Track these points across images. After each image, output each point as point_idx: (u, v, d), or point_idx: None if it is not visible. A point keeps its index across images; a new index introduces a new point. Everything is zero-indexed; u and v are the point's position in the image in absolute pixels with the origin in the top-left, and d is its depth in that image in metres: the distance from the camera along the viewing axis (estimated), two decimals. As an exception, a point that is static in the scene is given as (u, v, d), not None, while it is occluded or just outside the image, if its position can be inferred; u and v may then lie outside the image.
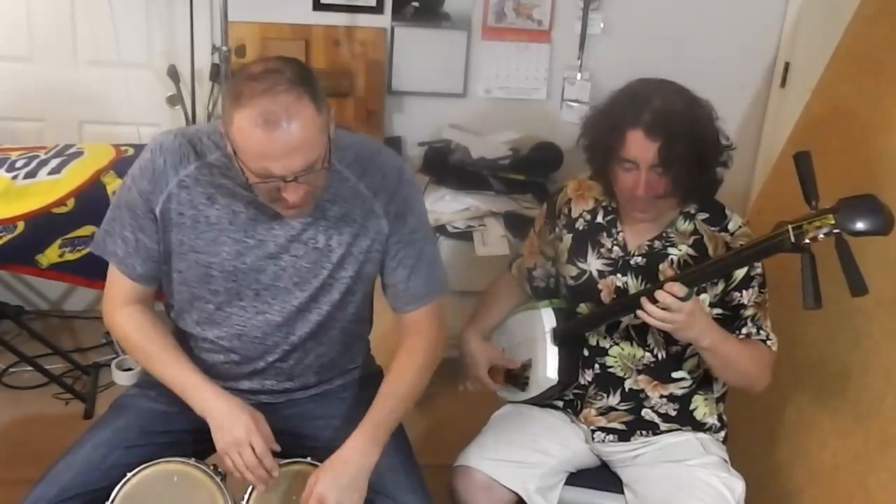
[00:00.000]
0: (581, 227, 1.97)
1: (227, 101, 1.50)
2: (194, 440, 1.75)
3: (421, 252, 1.75)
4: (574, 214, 1.99)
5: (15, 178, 2.55)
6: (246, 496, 1.66)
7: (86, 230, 2.51)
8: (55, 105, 3.23)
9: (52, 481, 1.63)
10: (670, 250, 1.88)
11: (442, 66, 3.31)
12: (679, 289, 1.68)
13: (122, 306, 1.75)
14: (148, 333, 1.73)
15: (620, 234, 1.92)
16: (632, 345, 1.93)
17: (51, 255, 2.52)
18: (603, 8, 3.29)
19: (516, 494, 1.88)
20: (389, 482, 1.71)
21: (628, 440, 1.97)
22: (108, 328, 1.80)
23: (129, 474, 1.64)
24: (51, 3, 3.13)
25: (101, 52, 3.16)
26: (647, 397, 1.95)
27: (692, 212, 1.88)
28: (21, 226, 2.48)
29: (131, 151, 2.68)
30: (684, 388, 1.95)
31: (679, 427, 1.96)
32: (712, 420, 1.97)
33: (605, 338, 1.95)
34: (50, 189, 2.53)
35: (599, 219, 1.96)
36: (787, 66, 3.34)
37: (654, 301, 1.70)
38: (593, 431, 1.99)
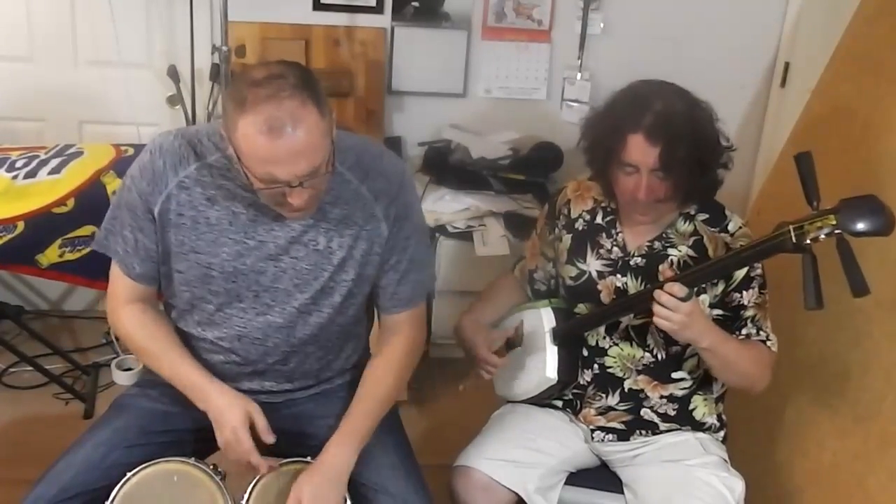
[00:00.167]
0: (580, 228, 1.97)
1: (231, 107, 1.49)
2: (194, 440, 1.76)
3: (413, 258, 1.76)
4: (573, 215, 1.99)
5: (15, 178, 2.55)
6: (246, 496, 1.66)
7: (86, 230, 2.51)
8: (55, 105, 3.23)
9: (52, 481, 1.64)
10: (670, 251, 1.88)
11: (442, 66, 3.31)
12: (679, 289, 1.68)
13: (124, 304, 1.75)
14: (150, 331, 1.74)
15: (620, 234, 1.92)
16: (631, 345, 1.93)
17: (51, 254, 2.52)
18: (603, 8, 3.30)
19: (516, 494, 1.88)
20: (390, 482, 1.72)
21: (627, 440, 1.97)
22: (111, 325, 1.80)
23: (129, 474, 1.64)
24: (51, 3, 3.13)
25: (101, 52, 3.16)
26: (646, 397, 1.95)
27: (692, 213, 1.88)
28: (21, 226, 2.48)
29: (131, 151, 2.68)
30: (684, 388, 1.95)
31: (678, 427, 1.96)
32: (712, 420, 1.97)
33: (604, 338, 1.95)
34: (50, 189, 2.53)
35: (599, 219, 1.96)
36: (787, 66, 3.34)
37: (653, 301, 1.70)
38: (592, 431, 1.99)
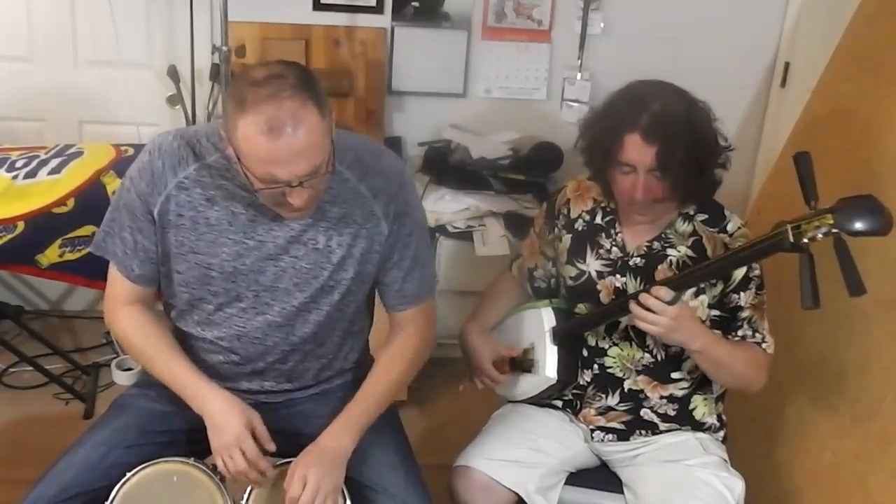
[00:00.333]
0: (580, 228, 1.97)
1: (230, 107, 1.49)
2: (194, 440, 1.75)
3: (416, 255, 1.76)
4: (573, 215, 1.99)
5: (15, 178, 2.55)
6: (245, 496, 1.66)
7: (86, 230, 2.51)
8: (55, 105, 3.23)
9: (51, 481, 1.64)
10: (669, 251, 1.88)
11: (442, 66, 3.31)
12: (665, 293, 1.69)
13: (122, 306, 1.75)
14: (148, 333, 1.74)
15: (619, 234, 1.92)
16: (631, 345, 1.93)
17: (51, 254, 2.52)
18: (603, 8, 3.29)
19: (516, 494, 1.88)
20: (390, 481, 1.72)
21: (627, 440, 1.97)
22: (108, 327, 1.80)
23: (128, 474, 1.64)
24: (51, 3, 3.13)
25: (101, 52, 3.16)
26: (646, 398, 1.95)
27: (691, 213, 1.88)
28: (21, 226, 2.48)
29: (131, 151, 2.68)
30: (684, 388, 1.95)
31: (678, 427, 1.96)
32: (712, 420, 1.97)
33: (604, 338, 1.95)
34: (50, 189, 2.53)
35: (598, 219, 1.96)
36: (787, 66, 3.34)
37: (640, 305, 1.70)
38: (592, 431, 1.99)
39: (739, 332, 1.84)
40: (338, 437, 1.68)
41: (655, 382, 1.94)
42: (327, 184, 1.60)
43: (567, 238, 1.99)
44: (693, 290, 1.84)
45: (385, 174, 1.71)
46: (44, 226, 2.50)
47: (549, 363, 1.95)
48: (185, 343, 1.79)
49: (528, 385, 2.01)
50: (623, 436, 1.97)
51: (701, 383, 1.96)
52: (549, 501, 1.91)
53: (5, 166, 2.59)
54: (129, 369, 3.06)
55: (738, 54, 3.36)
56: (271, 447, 1.67)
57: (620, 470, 1.98)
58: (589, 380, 1.98)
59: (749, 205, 3.27)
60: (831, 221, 1.52)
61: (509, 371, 2.05)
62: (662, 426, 1.96)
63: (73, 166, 2.60)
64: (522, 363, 2.03)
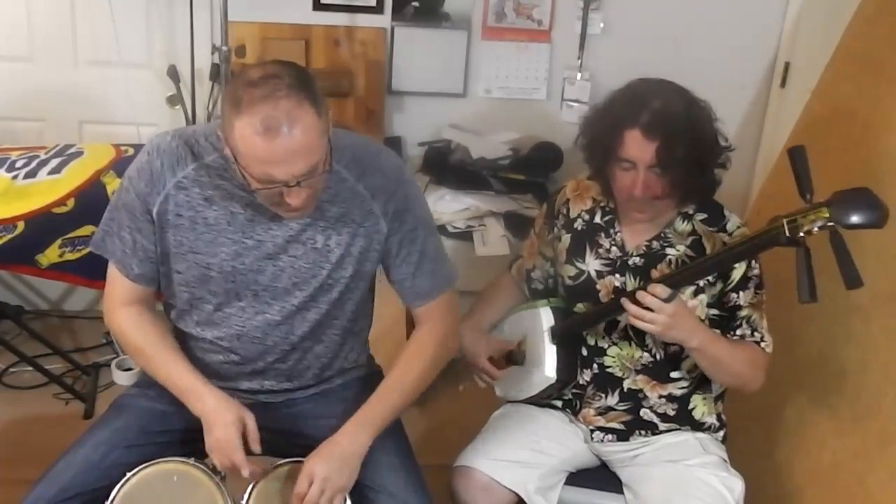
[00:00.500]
0: (579, 228, 1.98)
1: (227, 108, 1.49)
2: (194, 440, 1.75)
3: (423, 249, 1.76)
4: (572, 215, 1.99)
5: (15, 178, 2.55)
6: (245, 496, 1.66)
7: (86, 230, 2.51)
8: (55, 105, 3.23)
9: (51, 481, 1.64)
10: (668, 251, 1.88)
11: (442, 66, 3.31)
12: (661, 290, 1.69)
13: (121, 306, 1.75)
14: (146, 332, 1.74)
15: (618, 234, 1.92)
16: (630, 345, 1.93)
17: (51, 254, 2.52)
18: (603, 8, 3.30)
19: (516, 494, 1.88)
20: (390, 482, 1.71)
21: (627, 440, 1.97)
22: (107, 326, 1.80)
23: (128, 474, 1.64)
24: (51, 3, 3.13)
25: (101, 52, 3.16)
26: (645, 397, 1.95)
27: (690, 212, 1.89)
28: (21, 226, 2.48)
29: (131, 151, 2.69)
30: (683, 388, 1.95)
31: (678, 427, 1.96)
32: (711, 420, 1.97)
33: (603, 338, 1.95)
34: (50, 189, 2.53)
35: (598, 219, 1.96)
36: (787, 66, 3.34)
37: (636, 303, 1.70)
38: (592, 431, 1.99)
39: (738, 332, 1.84)
40: (352, 436, 1.67)
41: (654, 382, 1.94)
42: (325, 183, 1.60)
43: (566, 238, 1.99)
44: (692, 288, 1.84)
45: (383, 172, 1.71)
46: (44, 226, 2.50)
47: (548, 363, 1.95)
48: (185, 343, 1.79)
49: (528, 385, 2.01)
50: (623, 436, 1.97)
51: (700, 383, 1.96)
52: (549, 501, 1.91)
53: (5, 166, 2.59)
54: (129, 369, 3.06)
55: (738, 54, 3.36)
56: (256, 448, 1.67)
57: (620, 470, 1.98)
58: (588, 379, 1.98)
59: (749, 204, 3.27)
60: (827, 215, 1.52)
61: (506, 366, 2.05)
62: (662, 426, 1.96)
63: (73, 166, 2.60)
64: (516, 356, 2.03)
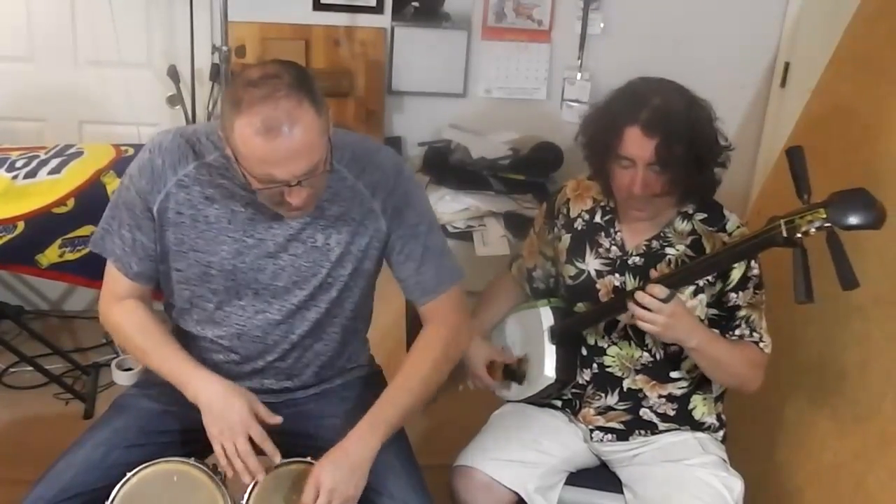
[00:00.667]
0: (579, 227, 1.98)
1: (227, 108, 1.49)
2: (194, 440, 1.75)
3: (426, 244, 1.75)
4: (572, 214, 1.99)
5: (15, 178, 2.55)
6: (246, 496, 1.66)
7: (86, 230, 2.51)
8: (55, 105, 3.23)
9: (51, 481, 1.63)
10: (668, 250, 1.88)
11: (442, 66, 3.31)
12: (660, 290, 1.69)
13: (117, 301, 1.75)
14: (142, 326, 1.73)
15: (618, 233, 1.93)
16: (630, 345, 1.93)
17: (51, 254, 2.53)
18: (603, 8, 3.30)
19: (516, 494, 1.88)
20: (390, 482, 1.71)
21: (627, 440, 1.97)
22: (102, 323, 1.79)
23: (128, 474, 1.64)
24: (51, 3, 3.14)
25: (101, 52, 3.16)
26: (645, 397, 1.95)
27: (690, 212, 1.89)
28: (21, 226, 2.48)
29: (131, 151, 2.69)
30: (683, 388, 1.95)
31: (678, 427, 1.96)
32: (711, 420, 1.97)
33: (602, 337, 1.95)
34: (50, 189, 2.53)
35: (597, 219, 1.96)
36: (787, 66, 3.34)
37: (636, 303, 1.70)
38: (592, 431, 1.99)
39: (737, 332, 1.84)
40: (361, 441, 1.65)
41: (654, 382, 1.94)
42: (325, 182, 1.60)
43: (566, 237, 1.99)
44: (692, 288, 1.84)
45: (382, 169, 1.71)
46: (44, 226, 2.50)
47: (547, 362, 1.95)
48: (186, 342, 1.79)
49: (528, 384, 2.01)
50: (622, 436, 1.97)
51: (700, 383, 1.96)
52: (549, 501, 1.91)
53: (5, 166, 2.59)
54: (129, 369, 3.06)
55: (738, 54, 3.36)
56: (275, 420, 1.65)
57: (620, 470, 1.98)
58: (588, 379, 1.98)
59: (749, 204, 3.27)
60: (824, 216, 1.52)
61: (501, 378, 2.05)
62: (662, 426, 1.96)
63: (73, 166, 2.60)
64: (515, 373, 2.03)
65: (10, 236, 2.47)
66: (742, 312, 1.84)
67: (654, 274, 1.86)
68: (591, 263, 1.94)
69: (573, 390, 2.01)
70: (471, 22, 3.29)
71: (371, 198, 1.69)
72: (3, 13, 3.13)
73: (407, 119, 3.39)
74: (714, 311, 1.86)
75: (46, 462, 1.68)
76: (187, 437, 1.76)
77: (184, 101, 3.15)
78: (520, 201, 3.13)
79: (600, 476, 2.00)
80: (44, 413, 2.90)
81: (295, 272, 1.69)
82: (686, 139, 1.73)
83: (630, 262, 1.90)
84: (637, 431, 1.96)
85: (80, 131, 3.27)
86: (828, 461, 2.08)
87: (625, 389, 1.95)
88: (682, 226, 1.89)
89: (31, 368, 3.00)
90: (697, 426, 1.97)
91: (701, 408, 1.97)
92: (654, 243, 1.89)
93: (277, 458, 1.64)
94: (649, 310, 1.70)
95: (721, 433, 1.99)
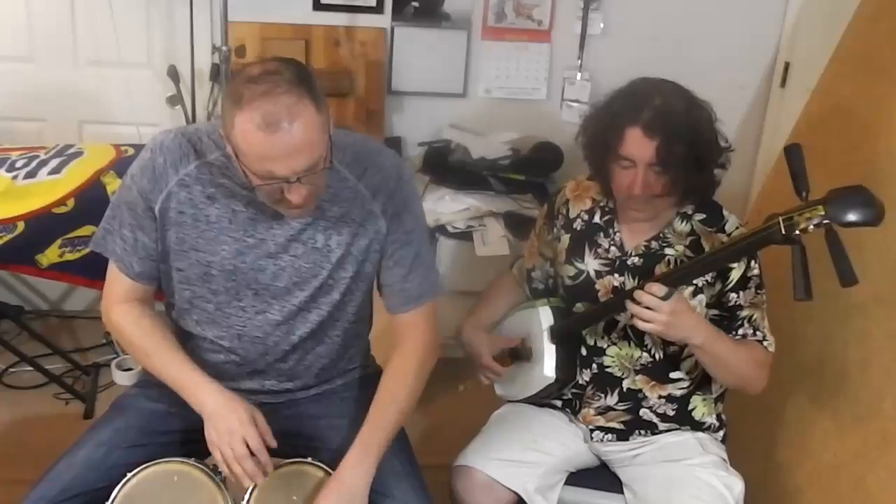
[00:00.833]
0: (579, 228, 1.98)
1: (227, 105, 1.49)
2: (194, 440, 1.75)
3: (418, 252, 1.75)
4: (572, 215, 1.99)
5: (15, 178, 2.55)
6: (246, 496, 1.66)
7: (86, 230, 2.51)
8: (55, 105, 3.23)
9: (52, 481, 1.64)
10: (667, 250, 1.88)
11: (442, 66, 3.31)
12: (658, 289, 1.68)
13: (119, 303, 1.75)
14: (144, 328, 1.73)
15: (618, 234, 1.93)
16: (629, 345, 1.93)
17: (51, 254, 2.52)
18: (603, 8, 3.30)
19: (516, 494, 1.88)
20: (390, 483, 1.71)
21: (627, 440, 1.97)
22: (105, 324, 1.80)
23: (129, 474, 1.64)
24: (51, 3, 3.14)
25: (101, 52, 3.16)
26: (645, 397, 1.95)
27: (689, 212, 1.89)
28: (21, 226, 2.48)
29: (131, 151, 2.69)
30: (682, 388, 1.95)
31: (678, 427, 1.96)
32: (711, 420, 1.97)
33: (602, 338, 1.95)
34: (50, 189, 2.53)
35: (597, 219, 1.96)
36: (787, 66, 3.34)
37: (635, 303, 1.70)
38: (592, 431, 1.99)
39: (740, 331, 1.84)
40: (356, 469, 1.65)
41: (654, 382, 1.94)
42: (325, 181, 1.60)
43: (566, 238, 1.99)
44: (691, 289, 1.84)
45: (384, 172, 1.71)
46: (44, 226, 2.50)
47: (547, 362, 1.95)
48: (186, 342, 1.79)
49: (528, 384, 2.01)
50: (622, 436, 1.97)
51: (700, 383, 1.96)
52: (549, 501, 1.91)
53: (5, 166, 2.59)
54: (129, 369, 3.06)
55: (738, 54, 3.36)
56: (272, 442, 1.65)
57: (620, 470, 1.98)
58: (588, 379, 1.98)
59: (749, 204, 3.27)
60: (822, 212, 1.52)
61: (510, 363, 2.05)
62: (662, 426, 1.96)
63: (73, 166, 2.60)
64: (521, 352, 2.03)
65: (10, 236, 2.47)
66: (744, 312, 1.84)
67: (657, 272, 1.86)
68: (591, 264, 1.94)
69: (573, 390, 2.01)
70: (471, 22, 3.29)
71: (372, 199, 1.69)
72: (3, 13, 3.13)
73: (407, 119, 3.39)
74: (715, 311, 1.86)
75: (46, 462, 1.68)
76: (187, 437, 1.76)
77: (184, 101, 3.14)
78: (520, 201, 3.12)
79: (600, 476, 2.00)
80: (44, 413, 2.90)
81: (295, 273, 1.69)
82: (687, 140, 1.73)
83: (629, 262, 1.90)
84: (637, 431, 1.97)
85: (80, 131, 3.27)
86: (828, 461, 2.08)
87: (624, 390, 1.95)
88: (682, 226, 1.89)
89: (31, 368, 3.00)
90: (697, 426, 1.97)
91: (701, 408, 1.97)
92: (654, 244, 1.89)
93: (270, 468, 1.64)
94: (650, 308, 1.70)
95: (721, 433, 1.99)
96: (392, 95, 3.34)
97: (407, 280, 1.76)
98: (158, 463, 1.67)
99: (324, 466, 1.69)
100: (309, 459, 1.71)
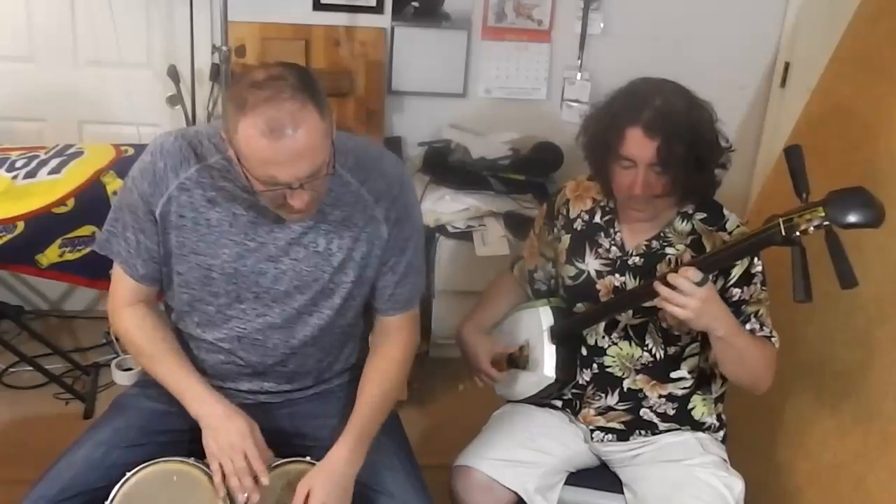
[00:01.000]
0: (579, 228, 1.98)
1: (230, 109, 1.49)
2: (194, 440, 1.75)
3: (412, 260, 1.77)
4: (572, 215, 1.99)
5: (15, 178, 2.56)
6: (246, 496, 1.65)
7: (86, 230, 2.52)
8: (55, 105, 3.23)
9: (52, 480, 1.64)
10: (668, 250, 1.88)
11: (442, 66, 3.32)
12: (694, 273, 1.66)
13: (125, 305, 1.75)
14: (149, 333, 1.74)
15: (618, 234, 1.93)
16: (630, 345, 1.93)
17: (51, 254, 2.53)
18: (603, 8, 3.30)
19: (516, 494, 1.88)
20: (390, 482, 1.72)
21: (627, 440, 1.97)
22: (111, 326, 1.81)
23: (128, 474, 1.64)
24: (51, 3, 3.14)
25: (101, 52, 3.16)
26: (645, 397, 1.95)
27: (690, 212, 1.88)
28: (21, 226, 2.48)
29: (131, 151, 2.69)
30: (683, 388, 1.95)
31: (678, 427, 1.96)
32: (711, 420, 1.97)
33: (603, 337, 1.95)
34: (50, 189, 2.53)
35: (597, 219, 1.96)
36: (787, 66, 3.34)
37: (668, 286, 1.68)
38: (592, 431, 1.99)
39: (747, 326, 1.82)
40: (351, 462, 1.66)
41: (654, 382, 1.94)
42: (328, 186, 1.60)
43: (566, 238, 1.99)
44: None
45: (386, 177, 1.71)
46: (44, 226, 2.50)
47: (547, 362, 1.95)
48: (186, 344, 1.79)
49: (528, 384, 2.01)
50: (623, 436, 1.97)
51: (700, 383, 1.96)
52: (549, 501, 1.91)
53: (5, 166, 2.59)
54: (129, 369, 3.06)
55: (738, 54, 3.36)
56: (266, 456, 1.66)
57: (620, 470, 1.98)
58: (588, 379, 1.98)
59: (749, 204, 3.27)
60: (823, 214, 1.52)
61: (507, 369, 2.05)
62: (662, 426, 1.96)
63: (73, 166, 2.61)
64: (518, 360, 2.03)
65: (10, 236, 2.47)
66: (750, 308, 1.83)
67: (658, 271, 1.85)
68: (591, 264, 1.94)
69: (573, 390, 2.01)
70: (471, 22, 3.29)
71: (374, 205, 1.69)
72: (3, 13, 3.13)
73: (407, 119, 3.39)
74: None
75: (46, 462, 1.68)
76: (187, 436, 1.76)
77: (184, 101, 3.15)
78: (520, 201, 3.12)
79: (600, 476, 2.00)
80: (44, 413, 2.90)
81: (296, 276, 1.69)
82: (687, 140, 1.73)
83: (630, 262, 1.90)
84: (637, 431, 1.97)
85: (80, 131, 3.27)
86: (828, 461, 2.08)
87: (625, 389, 1.95)
88: (682, 226, 1.89)
89: (31, 368, 3.00)
90: (698, 426, 1.97)
91: (701, 408, 1.97)
92: (654, 243, 1.89)
93: (265, 480, 1.63)
94: (682, 292, 1.66)
95: (721, 433, 1.99)
96: (392, 95, 3.34)
97: (398, 286, 1.77)
98: (158, 462, 1.67)
99: (321, 465, 1.69)
100: (308, 459, 1.71)
